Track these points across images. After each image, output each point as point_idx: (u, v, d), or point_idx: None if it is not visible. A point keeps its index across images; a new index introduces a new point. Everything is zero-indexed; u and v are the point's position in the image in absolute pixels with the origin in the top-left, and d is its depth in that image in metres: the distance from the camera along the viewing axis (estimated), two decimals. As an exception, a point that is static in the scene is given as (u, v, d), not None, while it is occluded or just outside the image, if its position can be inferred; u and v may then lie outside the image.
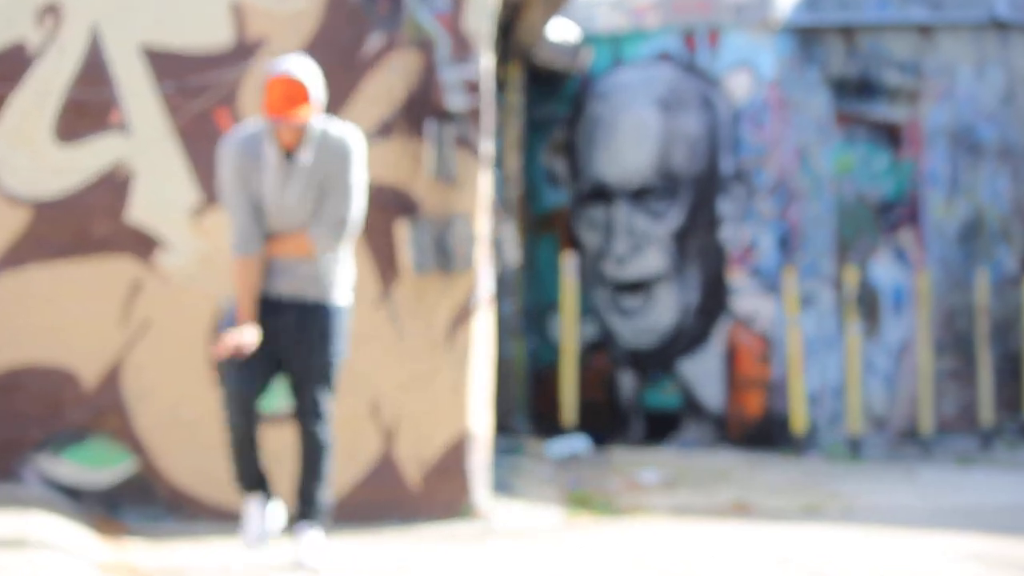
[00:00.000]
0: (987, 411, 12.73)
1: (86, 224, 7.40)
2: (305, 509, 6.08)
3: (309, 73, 5.97)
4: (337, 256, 6.11)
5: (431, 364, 7.56)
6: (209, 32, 7.51)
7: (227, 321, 6.11)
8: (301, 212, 6.05)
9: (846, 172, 12.73)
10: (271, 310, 6.07)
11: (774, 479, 9.97)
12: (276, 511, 6.19)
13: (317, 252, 6.05)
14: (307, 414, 6.06)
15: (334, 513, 6.91)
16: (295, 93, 5.89)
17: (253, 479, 6.09)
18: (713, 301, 12.14)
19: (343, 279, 6.17)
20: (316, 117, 5.98)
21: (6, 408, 7.34)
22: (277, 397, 7.14)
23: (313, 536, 6.07)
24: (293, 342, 6.05)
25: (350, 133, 6.14)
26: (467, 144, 7.64)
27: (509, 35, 11.44)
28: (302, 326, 6.06)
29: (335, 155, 6.05)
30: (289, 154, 6.02)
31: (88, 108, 7.42)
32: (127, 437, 7.39)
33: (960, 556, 6.78)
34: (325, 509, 6.12)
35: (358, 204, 6.12)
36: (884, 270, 13.00)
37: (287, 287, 6.09)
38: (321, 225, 6.04)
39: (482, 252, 7.70)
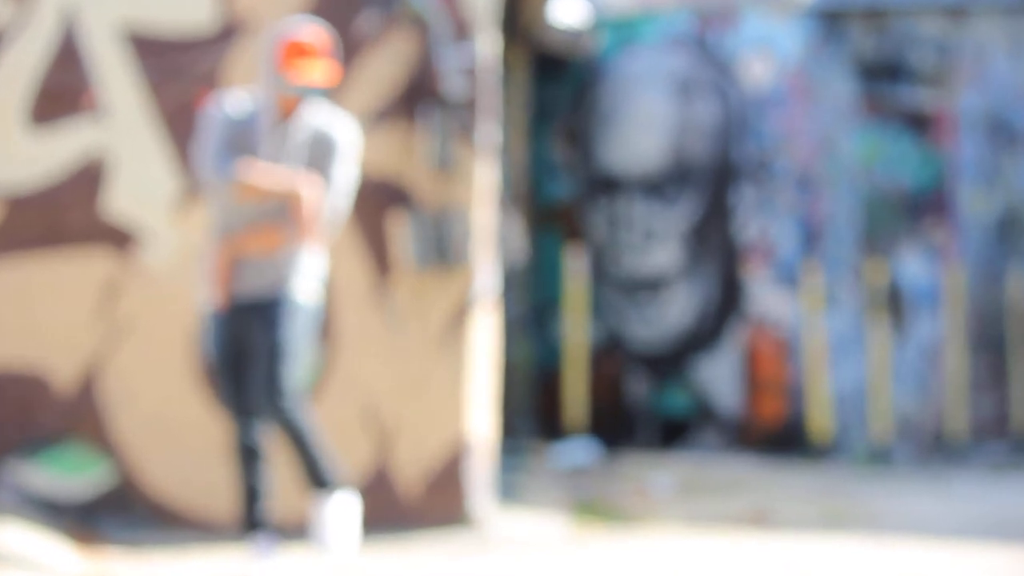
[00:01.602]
0: (1022, 416, 12.72)
1: (61, 216, 7.40)
2: (316, 483, 6.21)
3: (327, 40, 6.17)
4: (302, 250, 6.19)
5: (427, 365, 7.56)
6: (192, 11, 7.51)
7: (206, 328, 6.22)
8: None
9: (872, 161, 12.72)
10: (234, 314, 6.18)
11: (793, 487, 9.96)
12: (281, 557, 6.27)
13: (290, 245, 6.10)
14: (268, 408, 6.10)
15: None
16: (312, 55, 6.06)
17: (257, 503, 6.17)
18: (728, 299, 12.13)
19: (308, 274, 6.21)
20: (324, 89, 6.09)
21: (-24, 412, 7.35)
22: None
23: (338, 499, 6.15)
24: (253, 341, 6.14)
25: (345, 126, 6.23)
26: (466, 132, 7.63)
27: (513, 17, 11.43)
28: (259, 324, 6.14)
29: (326, 145, 6.16)
30: (282, 125, 6.13)
31: (62, 94, 7.41)
32: (105, 443, 7.39)
33: (991, 571, 6.77)
34: (335, 472, 6.17)
35: (341, 201, 6.20)
36: (913, 266, 12.97)
37: (250, 286, 6.16)
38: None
39: (483, 246, 7.69)
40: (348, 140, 6.22)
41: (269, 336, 6.10)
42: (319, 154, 6.17)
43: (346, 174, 6.23)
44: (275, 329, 6.10)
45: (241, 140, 6.14)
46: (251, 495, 6.19)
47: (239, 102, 6.19)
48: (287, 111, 6.14)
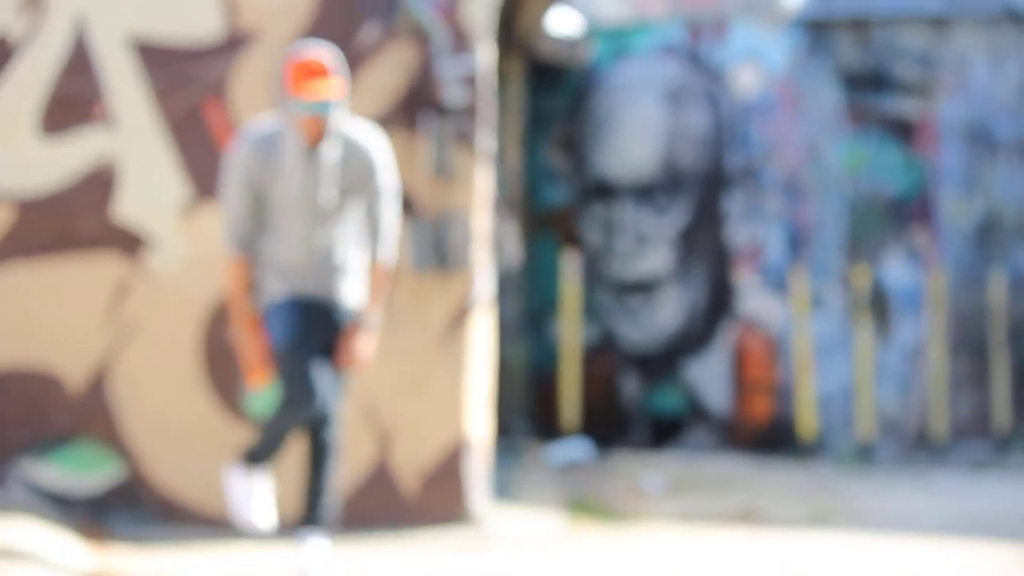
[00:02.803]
0: (1002, 416, 12.72)
1: (71, 222, 7.39)
2: (309, 514, 6.11)
3: (333, 59, 6.07)
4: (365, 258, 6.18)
5: (427, 366, 7.55)
6: (199, 22, 7.50)
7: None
8: (328, 210, 6.07)
9: (857, 169, 12.72)
10: (307, 304, 6.10)
11: (781, 485, 9.97)
12: (267, 488, 6.19)
13: (388, 268, 6.14)
14: (317, 417, 6.07)
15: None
16: (318, 72, 5.98)
17: (271, 460, 6.11)
18: (719, 302, 12.14)
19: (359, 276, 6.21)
20: (338, 102, 6.01)
21: (-11, 411, 7.34)
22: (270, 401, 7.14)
23: (315, 543, 6.08)
24: (321, 340, 6.10)
25: (373, 136, 6.15)
26: (464, 139, 7.63)
27: (509, 27, 11.44)
28: (329, 325, 6.11)
29: (362, 161, 6.08)
30: (312, 148, 6.04)
31: (73, 102, 7.41)
32: (114, 441, 7.39)
33: (974, 567, 6.77)
34: (329, 515, 6.13)
35: (394, 211, 6.20)
36: (896, 270, 12.98)
37: (317, 288, 6.11)
38: (377, 240, 6.12)
39: (481, 250, 7.69)
40: (381, 150, 6.13)
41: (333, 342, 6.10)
42: (357, 172, 6.09)
43: (389, 183, 6.16)
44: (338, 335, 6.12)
45: (269, 172, 6.05)
46: (268, 463, 6.11)
47: (266, 134, 6.10)
48: (310, 134, 6.04)
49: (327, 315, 6.11)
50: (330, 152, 6.06)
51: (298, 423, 6.03)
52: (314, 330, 6.09)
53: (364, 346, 6.12)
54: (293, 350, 6.00)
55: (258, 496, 6.11)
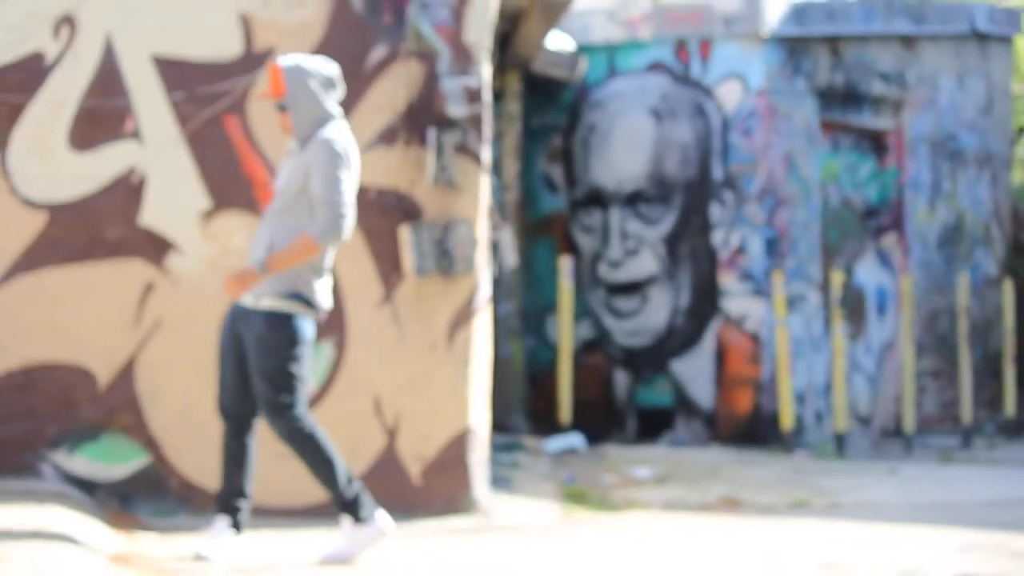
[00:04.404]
0: (967, 410, 12.74)
1: (99, 228, 7.39)
2: (334, 504, 6.12)
3: (295, 62, 6.06)
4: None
5: (432, 365, 7.56)
6: (219, 42, 7.50)
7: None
8: (278, 202, 6.06)
9: (832, 179, 12.74)
10: (233, 316, 6.12)
11: (762, 475, 9.97)
12: (229, 542, 6.17)
13: (320, 244, 5.94)
14: (263, 417, 6.06)
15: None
16: (269, 75, 6.07)
17: (225, 493, 6.14)
18: (705, 303, 12.15)
19: (293, 286, 6.00)
20: (281, 101, 6.02)
21: (23, 405, 7.33)
22: None
23: (348, 527, 6.09)
24: (246, 348, 6.08)
25: (330, 140, 6.00)
26: (467, 151, 7.64)
27: (507, 46, 11.45)
28: (245, 332, 6.05)
29: (313, 156, 5.99)
30: (300, 147, 6.10)
31: (102, 116, 7.40)
32: (140, 434, 7.39)
33: (941, 549, 6.78)
34: (343, 496, 6.06)
35: (343, 203, 5.95)
36: (869, 273, 13.01)
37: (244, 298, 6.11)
38: (317, 220, 5.96)
39: (482, 255, 7.70)
40: (325, 153, 5.97)
41: (251, 359, 6.01)
42: (308, 166, 5.98)
43: (327, 161, 5.95)
44: (255, 355, 5.99)
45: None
46: (224, 499, 6.18)
47: None
48: (285, 129, 6.07)
49: (243, 325, 6.05)
50: (300, 153, 6.03)
51: (224, 424, 6.14)
52: (235, 340, 6.09)
53: (239, 278, 5.93)
54: (220, 352, 6.15)
55: (212, 532, 6.16)
